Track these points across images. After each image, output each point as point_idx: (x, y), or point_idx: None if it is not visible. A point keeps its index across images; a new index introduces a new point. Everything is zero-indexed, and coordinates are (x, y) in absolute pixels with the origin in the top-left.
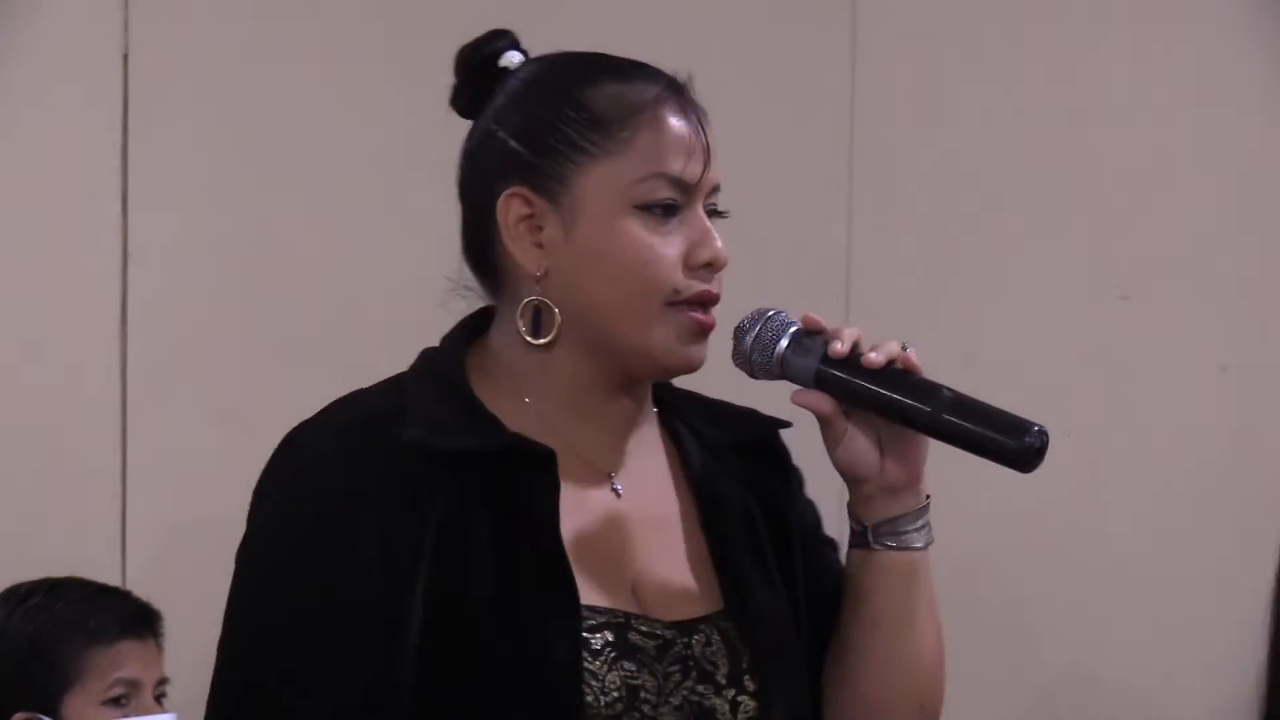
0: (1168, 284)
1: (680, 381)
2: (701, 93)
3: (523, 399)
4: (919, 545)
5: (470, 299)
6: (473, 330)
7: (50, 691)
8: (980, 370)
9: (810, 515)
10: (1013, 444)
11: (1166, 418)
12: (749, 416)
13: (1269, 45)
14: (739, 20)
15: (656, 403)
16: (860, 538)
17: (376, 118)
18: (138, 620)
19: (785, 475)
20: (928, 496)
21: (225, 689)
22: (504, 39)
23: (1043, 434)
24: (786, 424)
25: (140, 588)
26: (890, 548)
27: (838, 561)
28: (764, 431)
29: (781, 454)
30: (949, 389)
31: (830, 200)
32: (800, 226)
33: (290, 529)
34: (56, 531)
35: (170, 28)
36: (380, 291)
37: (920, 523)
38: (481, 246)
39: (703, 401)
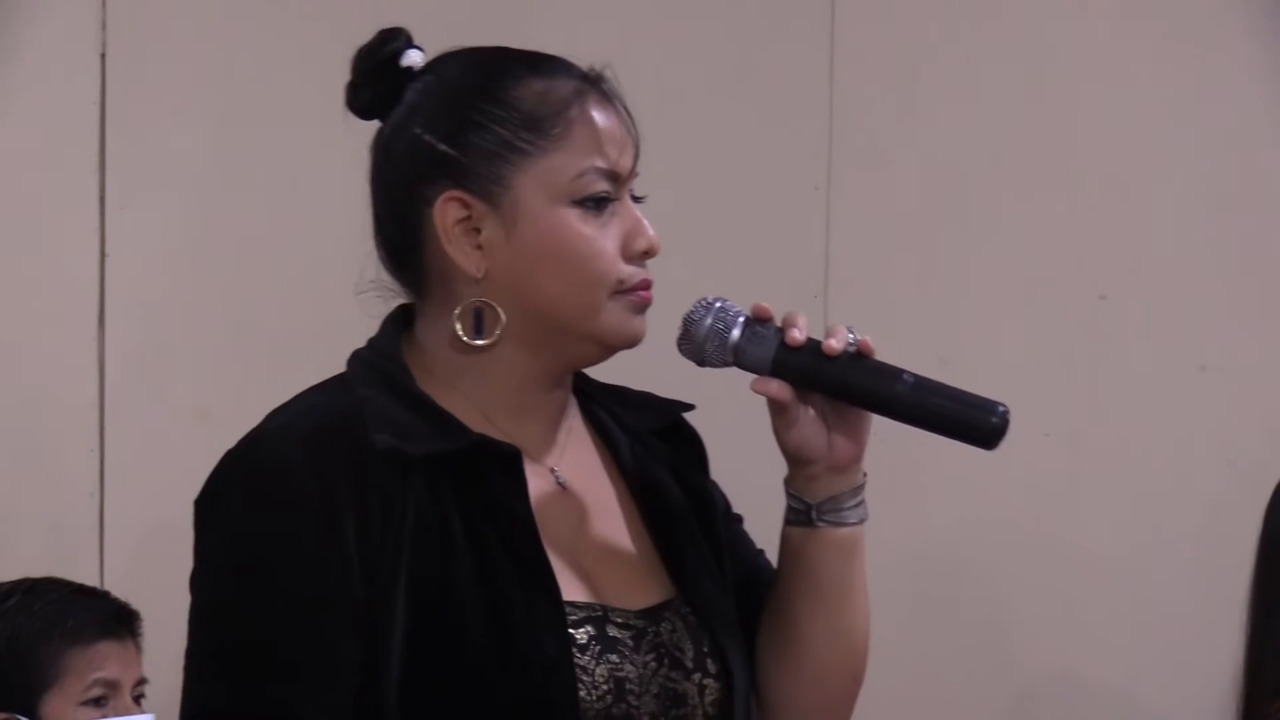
0: (1146, 284)
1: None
2: (681, 93)
3: (464, 396)
4: (859, 520)
5: (388, 298)
6: (400, 329)
7: (29, 692)
8: (958, 370)
9: (720, 494)
10: (977, 422)
11: (1145, 417)
12: (653, 401)
13: (1249, 46)
14: (717, 21)
15: (575, 392)
16: (803, 515)
17: (354, 117)
18: (116, 621)
19: (700, 457)
20: (864, 474)
21: (207, 699)
22: (400, 38)
23: (1006, 412)
24: (691, 406)
25: (118, 588)
26: (833, 524)
27: (748, 536)
28: (675, 415)
29: (693, 436)
30: (908, 371)
31: (809, 200)
32: (779, 227)
33: (266, 539)
34: (34, 531)
35: (148, 27)
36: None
37: (859, 499)
38: (405, 248)
39: (613, 389)
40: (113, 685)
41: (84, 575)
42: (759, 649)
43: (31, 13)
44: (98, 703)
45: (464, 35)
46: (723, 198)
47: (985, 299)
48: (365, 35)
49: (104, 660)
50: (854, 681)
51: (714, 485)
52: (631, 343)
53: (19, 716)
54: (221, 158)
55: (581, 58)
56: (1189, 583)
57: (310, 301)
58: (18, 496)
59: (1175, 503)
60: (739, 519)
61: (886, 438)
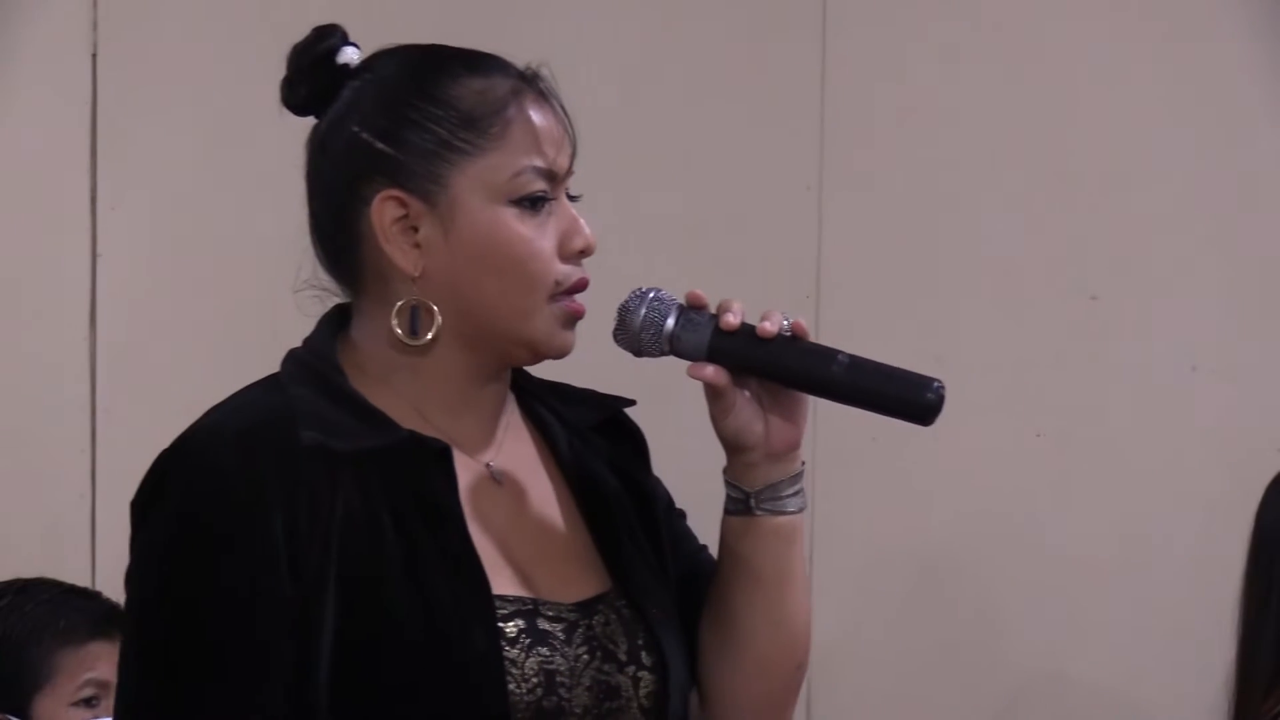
0: (1137, 284)
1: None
2: (673, 94)
3: (397, 394)
4: (797, 509)
5: (324, 298)
6: (335, 328)
7: (20, 692)
8: (950, 371)
9: (662, 489)
10: (914, 399)
11: (1137, 417)
12: (594, 397)
13: (1240, 47)
14: (709, 22)
15: (514, 388)
16: (742, 505)
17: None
18: (108, 621)
19: (641, 452)
20: (802, 462)
21: (140, 697)
22: (336, 34)
23: (941, 388)
24: (631, 401)
25: (110, 588)
26: (772, 512)
27: (690, 531)
28: (615, 411)
29: (635, 431)
30: (842, 352)
31: (801, 201)
32: (771, 228)
33: (195, 539)
34: (26, 532)
35: (140, 28)
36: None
37: (798, 487)
38: (342, 247)
39: (553, 385)
40: (104, 685)
41: (76, 576)
42: (700, 641)
43: (23, 13)
44: (89, 703)
45: (457, 35)
46: (715, 199)
47: (977, 300)
48: (357, 36)
49: (95, 660)
50: (797, 670)
51: (656, 480)
52: (560, 354)
53: (10, 717)
54: (213, 157)
55: (572, 58)
56: (1181, 582)
57: (302, 301)
58: (9, 497)
59: (1167, 503)
60: (682, 514)
61: (878, 437)
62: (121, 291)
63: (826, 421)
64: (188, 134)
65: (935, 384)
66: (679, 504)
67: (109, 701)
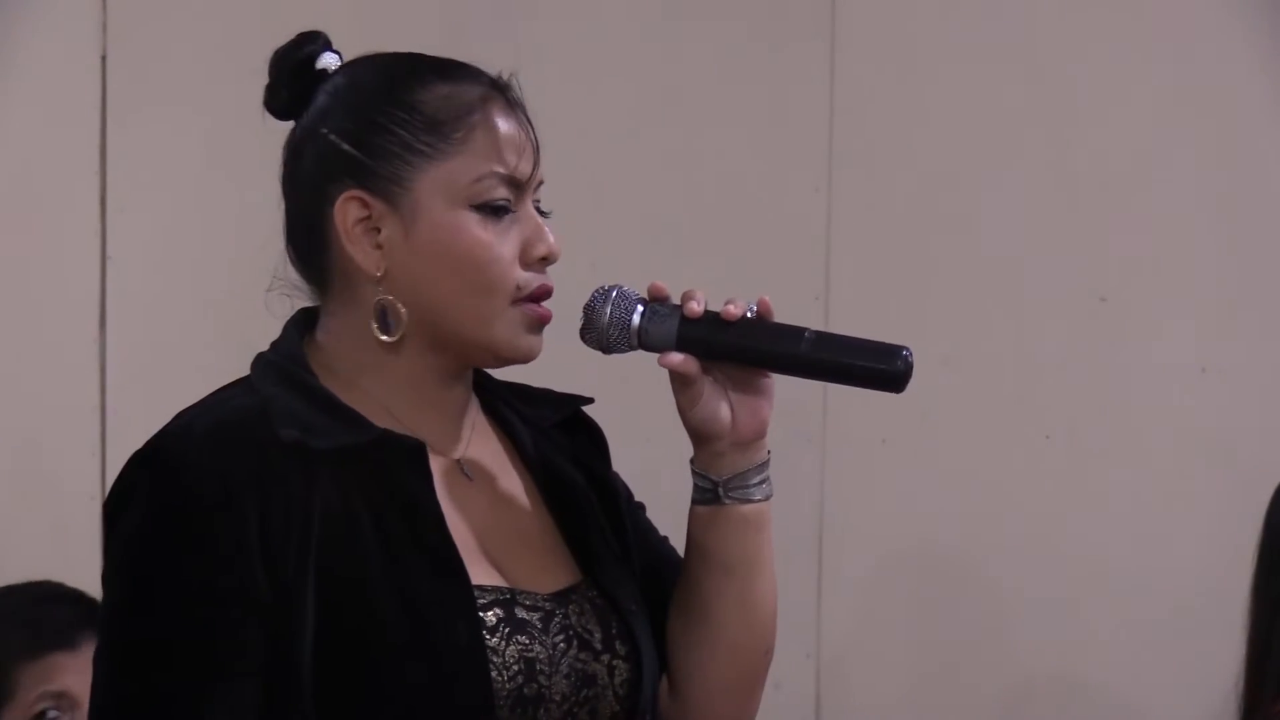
0: (1146, 286)
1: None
2: (682, 95)
3: (366, 393)
4: (764, 497)
5: (295, 297)
6: (302, 330)
7: None
8: (959, 373)
9: (622, 483)
10: (883, 369)
11: (1146, 419)
12: (553, 396)
13: (1249, 46)
14: (718, 22)
15: (476, 389)
16: (710, 494)
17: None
18: (71, 628)
19: (601, 447)
20: (768, 451)
21: (113, 696)
22: (318, 41)
23: (909, 355)
24: (590, 399)
25: None
26: (740, 500)
27: (651, 523)
28: (574, 408)
29: (593, 427)
30: (808, 328)
31: (809, 202)
32: (779, 229)
33: (166, 540)
34: (35, 535)
35: (149, 30)
36: None
37: (764, 475)
38: (311, 247)
39: (512, 385)
40: (62, 696)
41: (84, 579)
42: (670, 629)
43: (32, 16)
44: (42, 716)
45: (466, 35)
46: (724, 200)
47: (985, 301)
48: (360, 38)
49: (53, 672)
50: (765, 655)
51: (615, 474)
52: (525, 359)
53: None
54: (223, 159)
55: (580, 58)
56: (1190, 583)
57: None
58: (19, 499)
59: (1176, 505)
60: (641, 507)
61: (889, 439)
62: (131, 294)
63: (836, 424)
64: (197, 137)
65: (904, 351)
66: (643, 498)
67: (73, 713)
